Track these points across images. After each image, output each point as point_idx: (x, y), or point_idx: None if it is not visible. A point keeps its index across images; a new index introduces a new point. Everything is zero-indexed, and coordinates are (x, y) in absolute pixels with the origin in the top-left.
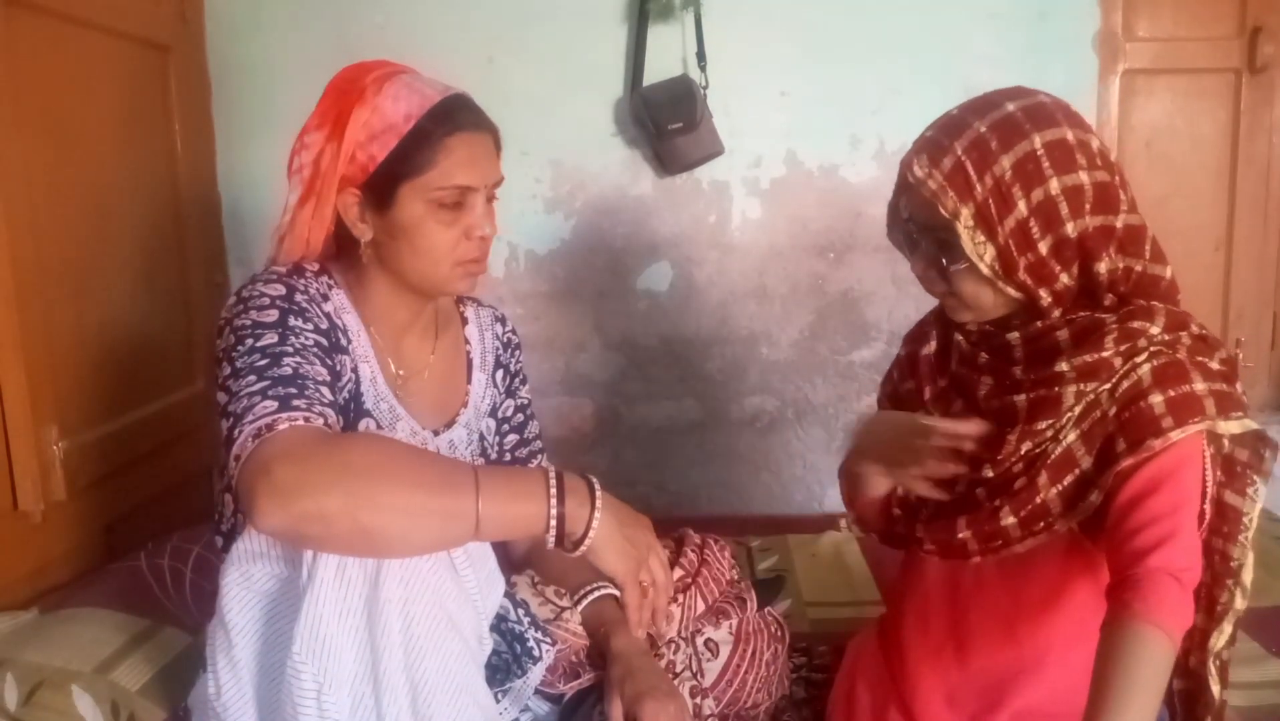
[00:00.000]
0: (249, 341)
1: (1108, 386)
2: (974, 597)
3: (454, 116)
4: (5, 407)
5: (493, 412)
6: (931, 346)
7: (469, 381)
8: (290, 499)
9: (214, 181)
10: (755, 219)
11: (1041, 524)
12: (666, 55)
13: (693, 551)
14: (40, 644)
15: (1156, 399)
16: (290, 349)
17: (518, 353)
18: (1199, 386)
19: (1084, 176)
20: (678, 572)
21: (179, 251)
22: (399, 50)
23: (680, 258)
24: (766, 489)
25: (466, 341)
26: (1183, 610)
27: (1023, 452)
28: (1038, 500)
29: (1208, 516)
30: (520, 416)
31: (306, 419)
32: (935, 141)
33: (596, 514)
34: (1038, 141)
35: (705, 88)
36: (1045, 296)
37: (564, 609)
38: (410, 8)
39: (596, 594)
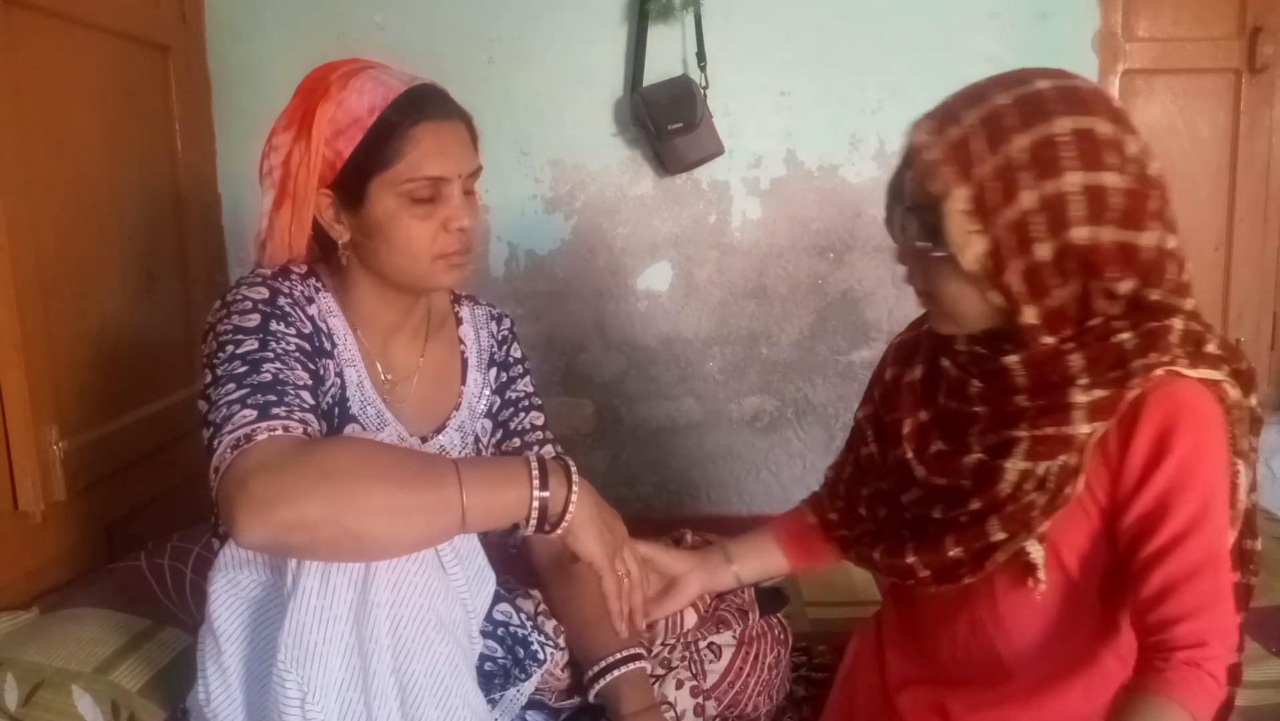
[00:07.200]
0: (229, 348)
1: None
2: (955, 628)
3: (420, 106)
4: (5, 407)
5: (489, 413)
6: (918, 372)
7: (463, 382)
8: (269, 510)
9: (214, 181)
10: (755, 219)
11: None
12: (666, 55)
13: None
14: (40, 644)
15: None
16: (271, 354)
17: (514, 348)
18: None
19: (1110, 178)
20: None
21: (179, 251)
22: (399, 50)
23: (680, 258)
24: (766, 489)
25: (461, 341)
26: (1215, 697)
27: (1018, 482)
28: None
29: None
30: (511, 410)
31: (286, 427)
32: (948, 108)
33: (574, 493)
34: (1062, 126)
35: (705, 88)
36: (1032, 313)
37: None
38: (410, 8)
39: (617, 671)
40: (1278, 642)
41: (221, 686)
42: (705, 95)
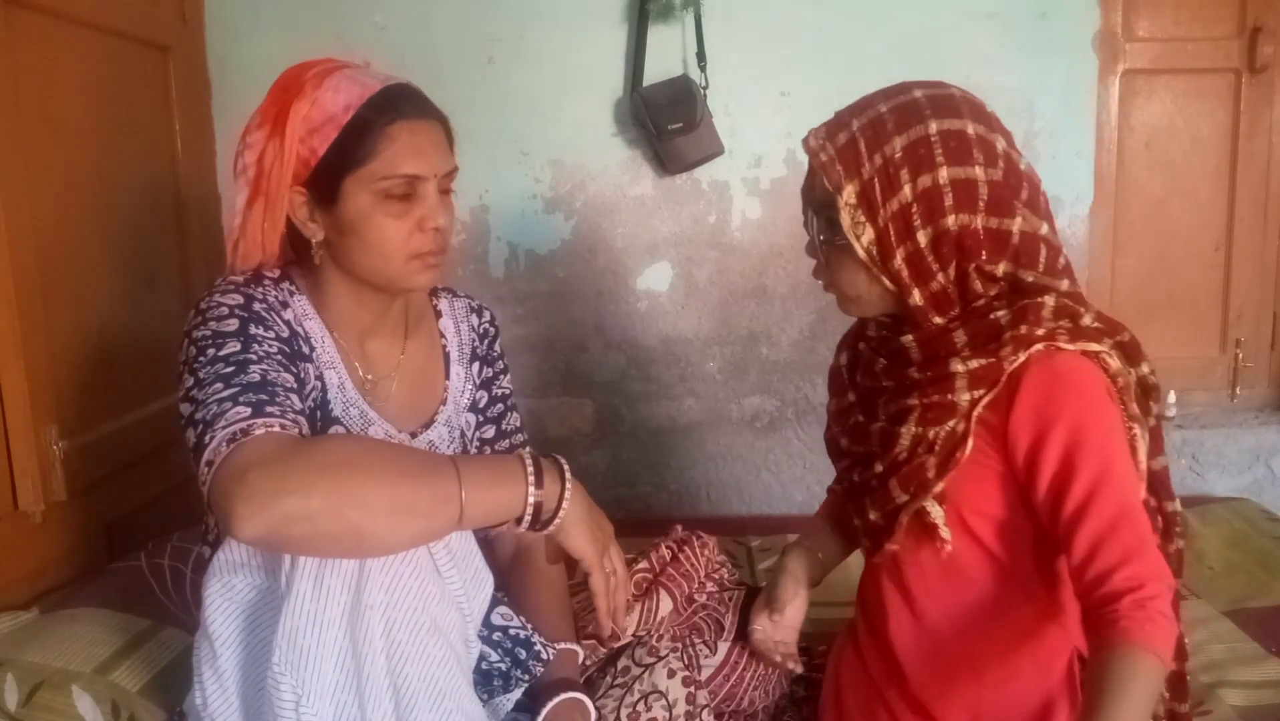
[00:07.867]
0: (211, 351)
1: (997, 390)
2: (909, 608)
3: (396, 104)
4: (5, 408)
5: (473, 407)
6: (844, 360)
7: (447, 377)
8: (270, 501)
9: (214, 181)
10: (755, 219)
11: (915, 485)
12: (666, 55)
13: (667, 547)
14: (40, 644)
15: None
16: (254, 356)
17: (496, 343)
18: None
19: (978, 171)
20: (642, 564)
21: (179, 251)
22: (399, 50)
23: (680, 258)
24: (766, 489)
25: (441, 335)
26: (1170, 633)
27: (911, 446)
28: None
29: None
30: (500, 407)
31: (282, 425)
32: (838, 117)
33: (567, 490)
34: (934, 127)
35: (705, 88)
36: (918, 295)
37: None
38: (410, 8)
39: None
40: (1278, 642)
41: (218, 690)
42: (705, 95)
